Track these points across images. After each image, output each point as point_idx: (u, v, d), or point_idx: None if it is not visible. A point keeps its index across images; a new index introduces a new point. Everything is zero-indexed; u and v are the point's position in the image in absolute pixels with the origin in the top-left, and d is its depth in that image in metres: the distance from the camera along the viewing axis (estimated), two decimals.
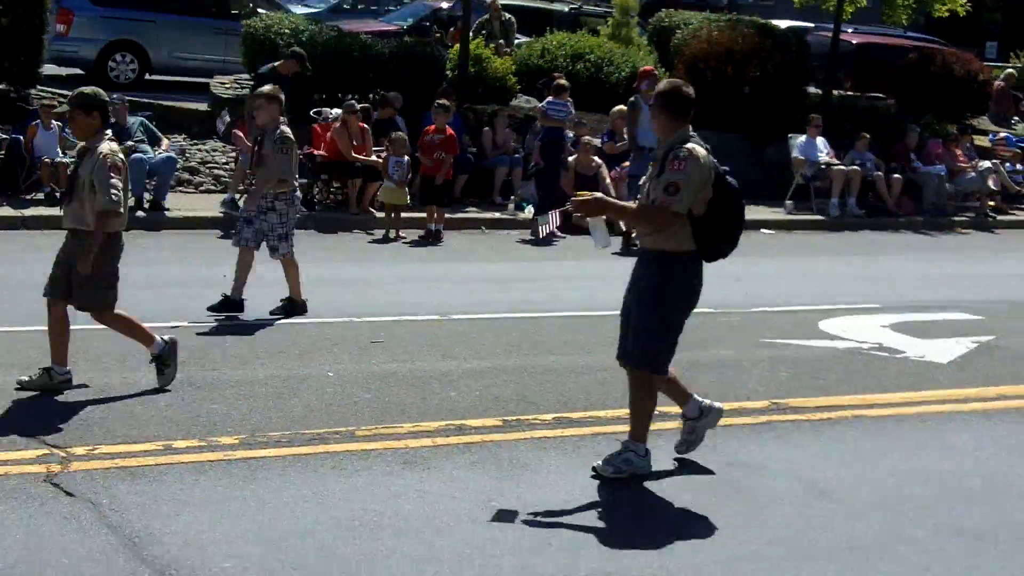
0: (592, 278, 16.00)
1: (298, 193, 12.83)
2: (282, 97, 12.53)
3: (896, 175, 23.39)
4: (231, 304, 12.27)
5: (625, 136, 19.88)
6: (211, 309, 12.16)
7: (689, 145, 8.02)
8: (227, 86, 22.97)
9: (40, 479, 7.47)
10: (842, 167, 22.62)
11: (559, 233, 18.76)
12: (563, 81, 20.12)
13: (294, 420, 8.89)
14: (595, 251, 8.50)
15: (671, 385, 8.48)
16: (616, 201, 8.85)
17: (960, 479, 8.42)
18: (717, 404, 8.63)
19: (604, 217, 8.31)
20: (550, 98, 19.39)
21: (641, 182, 8.48)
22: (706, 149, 8.06)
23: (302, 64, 18.57)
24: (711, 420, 8.58)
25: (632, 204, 8.65)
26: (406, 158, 18.42)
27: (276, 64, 18.52)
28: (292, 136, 12.39)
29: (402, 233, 18.03)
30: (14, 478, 7.46)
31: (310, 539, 6.84)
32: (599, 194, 8.48)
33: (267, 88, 12.65)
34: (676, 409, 9.55)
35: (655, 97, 8.33)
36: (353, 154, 18.82)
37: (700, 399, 8.57)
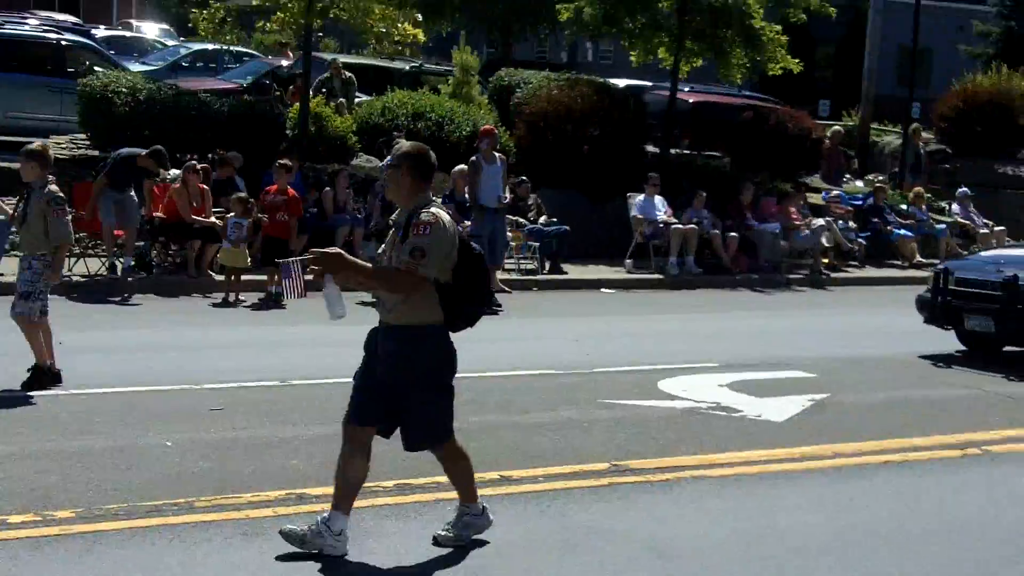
0: None
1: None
2: (48, 156, 12.26)
3: (732, 233, 23.88)
4: (44, 374, 11.90)
5: (466, 195, 20.02)
6: (25, 385, 11.73)
7: (433, 209, 7.76)
8: (63, 146, 22.60)
9: None
10: (680, 226, 23.02)
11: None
12: (404, 142, 20.19)
13: (132, 491, 8.76)
14: (330, 321, 8.11)
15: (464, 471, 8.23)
16: (358, 260, 8.24)
17: (803, 537, 8.59)
18: (491, 514, 8.27)
19: (337, 282, 7.87)
20: (389, 156, 19.44)
21: (380, 250, 8.21)
22: (448, 213, 7.98)
23: (160, 163, 18.45)
24: (484, 523, 8.23)
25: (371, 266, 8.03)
26: (246, 219, 18.28)
27: (138, 155, 18.35)
28: (63, 195, 12.20)
29: (242, 296, 17.89)
30: None
31: None
32: (338, 249, 8.13)
33: (33, 145, 12.32)
34: (520, 472, 9.66)
35: (399, 158, 7.99)
36: (192, 215, 18.66)
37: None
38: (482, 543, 8.11)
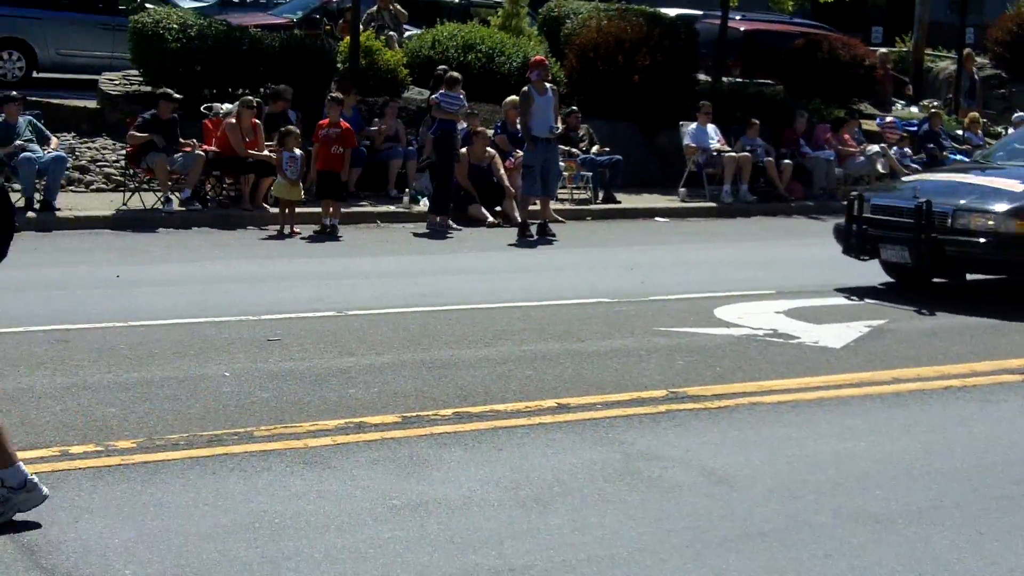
0: (487, 270, 16.08)
1: None
2: None
3: (786, 160, 23.71)
4: None
5: (518, 126, 19.95)
6: None
7: None
8: (116, 83, 22.67)
9: None
10: (733, 154, 22.88)
11: (454, 225, 18.79)
12: (455, 74, 20.12)
13: (192, 422, 8.81)
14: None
15: None
16: None
17: (857, 463, 8.52)
18: (44, 489, 7.03)
19: None
20: (443, 90, 19.35)
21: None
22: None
23: (173, 100, 18.48)
24: (30, 501, 6.97)
25: None
26: (299, 152, 18.32)
27: (153, 111, 18.39)
28: None
29: (297, 228, 17.94)
30: None
31: (211, 543, 6.78)
32: None
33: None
34: (577, 400, 9.66)
35: None
36: (246, 149, 18.69)
37: (27, 472, 7.03)
38: (540, 472, 8.10)
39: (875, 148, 24.85)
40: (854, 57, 27.58)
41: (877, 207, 15.10)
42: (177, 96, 18.88)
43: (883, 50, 31.83)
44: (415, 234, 18.52)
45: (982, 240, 14.02)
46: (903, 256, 14.63)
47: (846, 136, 24.83)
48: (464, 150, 19.96)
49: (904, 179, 17.78)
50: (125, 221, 17.73)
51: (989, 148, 18.46)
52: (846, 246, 15.34)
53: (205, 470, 7.87)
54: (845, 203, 15.83)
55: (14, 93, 18.95)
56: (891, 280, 15.66)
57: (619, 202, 21.76)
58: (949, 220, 14.26)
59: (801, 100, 26.03)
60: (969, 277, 14.92)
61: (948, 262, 14.38)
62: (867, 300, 14.37)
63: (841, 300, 14.31)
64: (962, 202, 14.38)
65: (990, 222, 14.03)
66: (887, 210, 14.96)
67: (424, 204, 19.83)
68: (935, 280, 15.20)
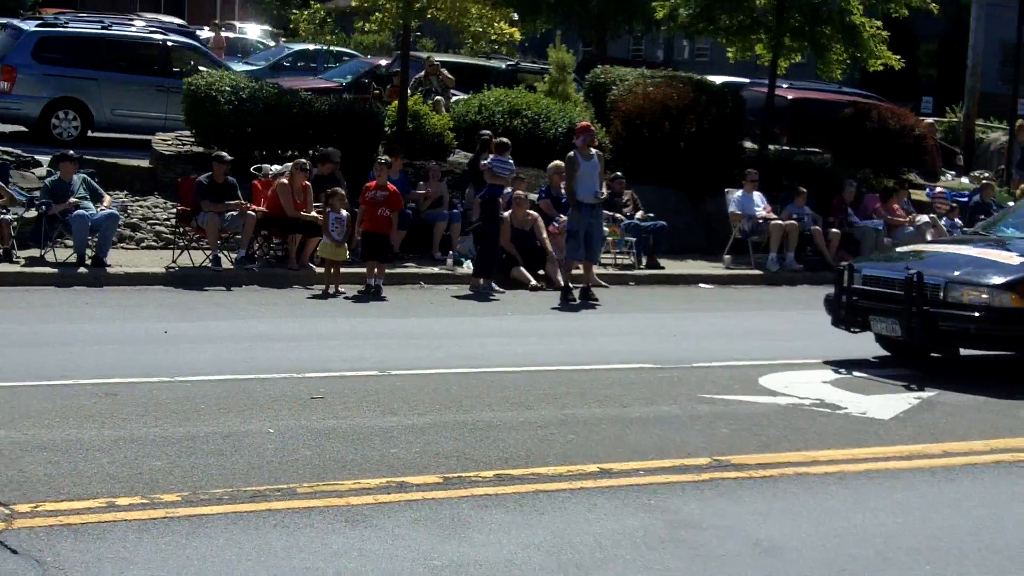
0: (530, 333, 16.11)
1: None
2: None
3: (834, 229, 23.64)
4: None
5: (563, 190, 20.05)
6: None
7: None
8: (169, 143, 22.96)
9: None
10: (779, 221, 22.87)
11: (497, 288, 18.86)
12: (505, 139, 20.27)
13: (236, 477, 8.87)
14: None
15: None
16: None
17: (906, 538, 8.44)
18: None
19: None
20: (494, 155, 19.47)
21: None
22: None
23: (225, 163, 18.71)
24: None
25: None
26: (345, 213, 18.47)
27: (210, 173, 18.67)
28: None
29: (341, 288, 18.05)
30: None
31: None
32: None
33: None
34: (620, 465, 9.65)
35: None
36: (296, 210, 18.86)
37: None
38: (582, 537, 8.10)
39: (924, 218, 24.72)
40: (904, 126, 27.55)
41: (868, 278, 14.54)
42: (229, 158, 19.08)
43: (931, 120, 31.78)
44: (458, 296, 18.59)
45: (976, 314, 13.47)
46: (894, 329, 14.03)
47: (895, 206, 24.76)
48: (506, 214, 20.07)
49: (898, 249, 17.17)
50: (174, 278, 17.91)
51: (991, 219, 18.10)
52: (836, 318, 14.79)
53: (248, 525, 7.92)
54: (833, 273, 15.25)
55: (70, 152, 19.21)
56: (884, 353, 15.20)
57: (663, 268, 21.77)
58: (941, 293, 13.73)
59: (850, 169, 26.00)
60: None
61: (941, 336, 13.84)
62: (914, 371, 14.23)
63: (888, 371, 14.20)
64: (955, 274, 13.86)
65: (984, 295, 13.51)
66: (878, 281, 14.41)
67: (467, 267, 19.91)
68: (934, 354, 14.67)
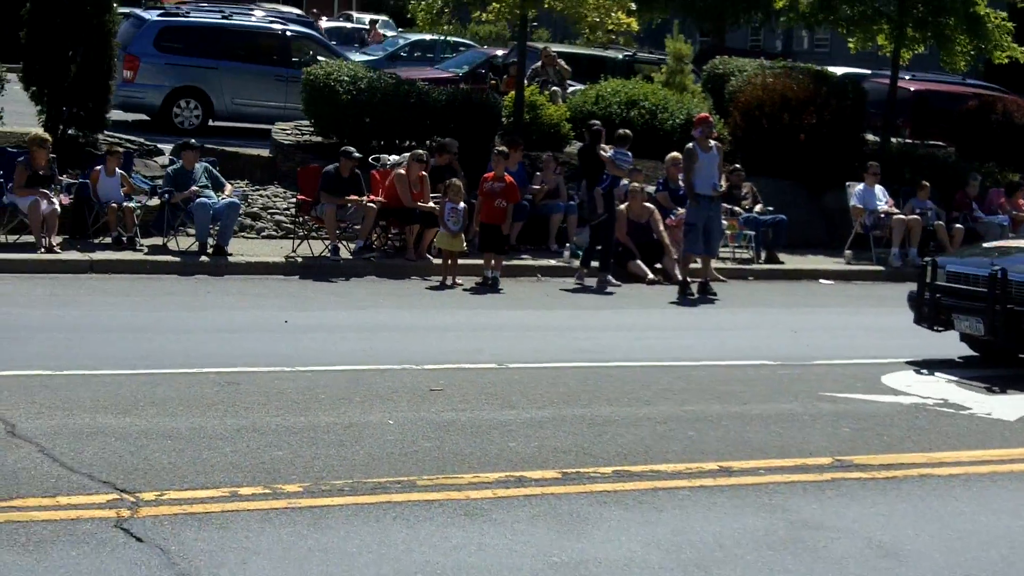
0: (648, 328, 16.04)
1: None
2: None
3: (958, 225, 23.20)
4: None
5: (680, 183, 19.92)
6: None
7: None
8: (288, 133, 23.18)
9: (111, 524, 7.54)
10: (902, 216, 22.51)
11: (614, 281, 18.78)
12: (627, 131, 20.20)
13: (356, 468, 8.93)
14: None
15: None
16: None
17: None
18: None
19: None
20: (615, 147, 19.41)
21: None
22: None
23: (352, 158, 18.85)
24: None
25: None
26: (462, 205, 18.51)
27: (336, 165, 18.77)
28: None
29: (459, 280, 18.10)
30: (85, 522, 7.53)
31: None
32: None
33: None
34: (740, 464, 9.56)
35: None
36: (413, 201, 18.94)
37: None
38: (701, 536, 8.04)
39: None
40: None
41: (952, 274, 14.06)
42: (357, 155, 19.18)
43: None
44: (574, 289, 18.54)
45: None
46: (977, 328, 13.56)
47: (1021, 201, 24.27)
48: (623, 207, 19.97)
49: (985, 244, 16.69)
50: (294, 268, 18.07)
51: None
52: (918, 315, 14.39)
53: (369, 517, 7.97)
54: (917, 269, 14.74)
55: (192, 141, 19.47)
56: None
57: (782, 263, 21.54)
58: None
59: (974, 163, 25.52)
60: None
61: None
62: None
63: (1014, 370, 13.92)
64: None
65: None
66: (961, 278, 13.92)
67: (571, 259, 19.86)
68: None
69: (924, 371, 13.68)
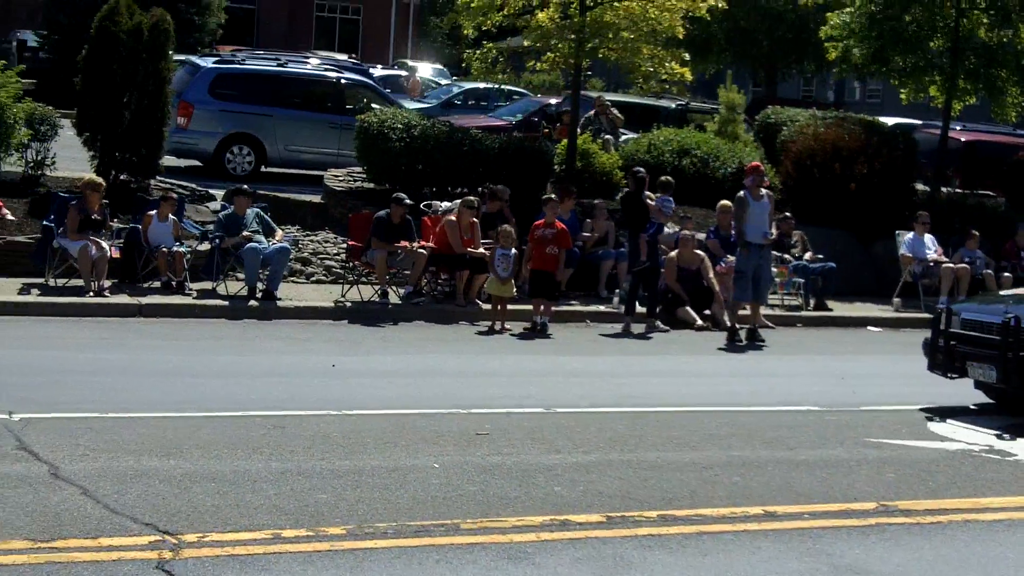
0: (695, 374, 16.02)
1: None
2: None
3: (1007, 274, 23.08)
4: None
5: (731, 230, 19.95)
6: None
7: None
8: (340, 179, 23.38)
9: (152, 565, 7.61)
10: (951, 265, 22.42)
11: (662, 326, 18.78)
12: (670, 178, 20.26)
13: (400, 511, 8.97)
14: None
15: None
16: None
17: None
18: None
19: None
20: (660, 194, 19.54)
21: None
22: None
23: (404, 205, 19.00)
24: None
25: None
26: (512, 251, 18.58)
27: (388, 211, 18.91)
28: None
29: (508, 325, 18.14)
30: (127, 563, 7.60)
31: None
32: None
33: None
34: (784, 508, 9.54)
35: None
36: (463, 247, 19.03)
37: None
38: None
39: None
40: None
41: (966, 322, 13.94)
42: (409, 201, 19.31)
43: None
44: (623, 335, 18.53)
45: None
46: (990, 375, 13.42)
47: None
48: (673, 253, 20.01)
49: (1003, 292, 16.47)
50: (343, 312, 18.17)
51: None
52: (932, 362, 14.24)
53: (411, 560, 8.00)
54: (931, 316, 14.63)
55: (245, 187, 19.64)
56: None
57: (831, 310, 21.47)
58: None
59: (1023, 213, 25.41)
60: None
61: None
62: None
63: None
64: None
65: None
66: (975, 325, 13.82)
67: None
68: None
69: (970, 418, 13.60)
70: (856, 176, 24.02)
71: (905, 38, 25.17)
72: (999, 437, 12.77)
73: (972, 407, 14.32)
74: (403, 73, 42.33)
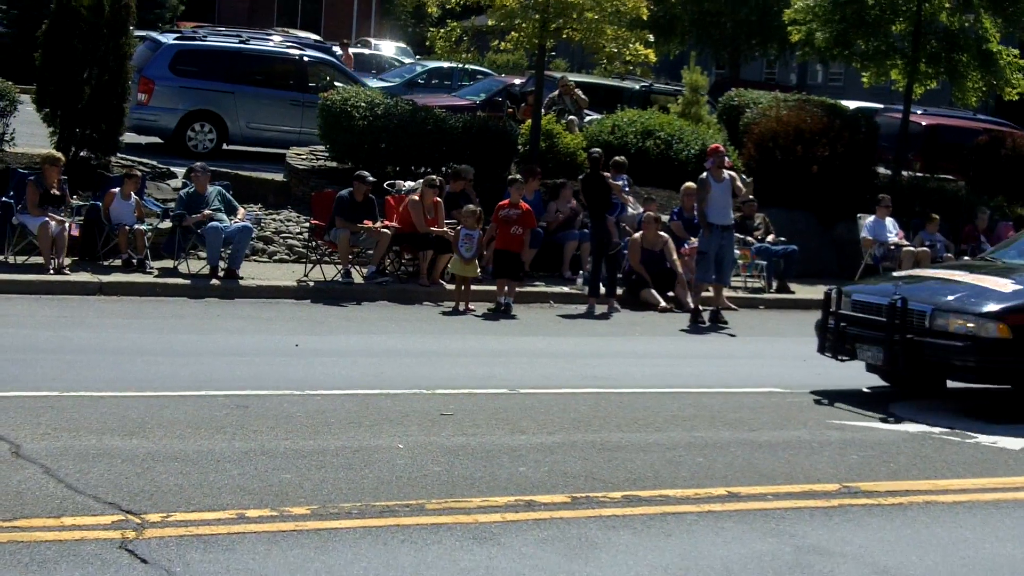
0: (659, 355, 16.06)
1: None
2: None
3: (966, 257, 23.21)
4: None
5: (694, 213, 19.99)
6: None
7: None
8: (303, 157, 23.27)
9: (116, 545, 7.56)
10: (911, 248, 22.54)
11: (619, 308, 18.83)
12: (622, 158, 20.45)
13: (365, 491, 8.94)
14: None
15: None
16: None
17: None
18: None
19: None
20: (616, 174, 19.62)
21: None
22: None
23: (367, 184, 18.99)
24: None
25: None
26: (477, 231, 18.56)
27: (351, 190, 18.86)
28: None
29: (472, 306, 18.13)
30: (90, 543, 7.55)
31: None
32: None
33: None
34: (748, 489, 9.58)
35: None
36: (427, 227, 18.99)
37: None
38: (709, 560, 8.05)
39: None
40: None
41: (857, 303, 13.80)
42: (372, 179, 19.25)
43: None
44: (586, 316, 18.55)
45: (960, 344, 12.71)
46: (877, 358, 13.33)
47: None
48: (637, 235, 20.06)
49: (894, 273, 16.36)
50: (306, 292, 18.11)
51: (1001, 244, 17.13)
52: (821, 344, 14.12)
53: (376, 540, 7.98)
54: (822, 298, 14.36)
55: (204, 164, 19.51)
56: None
57: (793, 292, 21.57)
58: (927, 320, 12.97)
59: (983, 196, 25.58)
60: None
61: (925, 366, 13.18)
62: None
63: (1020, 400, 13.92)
64: (944, 300, 13.13)
65: (970, 324, 12.71)
66: (865, 307, 13.66)
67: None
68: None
69: (932, 400, 13.68)
70: (818, 159, 24.13)
71: (867, 22, 25.32)
72: (994, 420, 12.83)
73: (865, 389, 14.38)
74: (353, 51, 41.99)
